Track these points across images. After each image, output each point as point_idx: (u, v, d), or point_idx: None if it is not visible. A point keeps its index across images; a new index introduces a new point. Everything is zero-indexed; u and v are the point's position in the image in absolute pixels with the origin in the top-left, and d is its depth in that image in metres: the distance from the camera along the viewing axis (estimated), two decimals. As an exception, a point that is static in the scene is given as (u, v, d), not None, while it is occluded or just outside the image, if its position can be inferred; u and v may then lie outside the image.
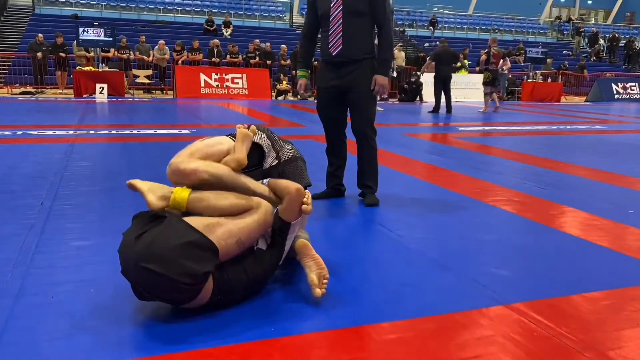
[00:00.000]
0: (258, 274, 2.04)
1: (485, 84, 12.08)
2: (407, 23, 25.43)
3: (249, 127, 2.41)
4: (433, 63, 11.91)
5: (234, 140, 2.29)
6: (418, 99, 15.19)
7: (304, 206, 2.17)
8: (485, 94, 12.10)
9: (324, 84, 3.53)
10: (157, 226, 1.88)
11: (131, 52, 15.06)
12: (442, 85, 11.66)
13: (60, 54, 14.14)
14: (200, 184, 2.10)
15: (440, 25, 26.77)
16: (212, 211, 1.98)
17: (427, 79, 15.61)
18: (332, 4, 3.35)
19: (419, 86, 15.04)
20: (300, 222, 2.30)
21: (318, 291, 2.03)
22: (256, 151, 2.40)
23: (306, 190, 2.23)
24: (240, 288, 1.98)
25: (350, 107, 3.51)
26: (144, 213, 2.03)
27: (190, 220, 1.91)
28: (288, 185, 2.18)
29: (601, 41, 26.02)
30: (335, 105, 3.54)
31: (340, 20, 3.35)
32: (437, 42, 21.42)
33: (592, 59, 24.35)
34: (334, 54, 3.41)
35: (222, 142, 2.26)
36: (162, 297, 1.85)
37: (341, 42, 3.37)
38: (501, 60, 12.36)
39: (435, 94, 11.77)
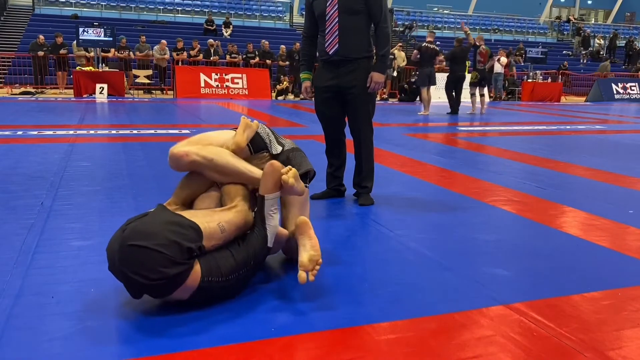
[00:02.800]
0: (245, 256, 2.04)
1: (471, 84, 11.77)
2: (406, 23, 25.41)
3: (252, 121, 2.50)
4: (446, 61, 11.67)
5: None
6: (418, 99, 15.14)
7: (283, 177, 2.16)
8: (472, 95, 11.78)
9: (321, 83, 3.52)
10: (144, 217, 1.97)
11: (131, 52, 15.06)
12: (454, 85, 11.34)
13: (61, 51, 14.12)
14: (194, 167, 2.21)
15: (440, 25, 26.75)
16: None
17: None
18: (328, 3, 3.35)
19: (419, 86, 15.00)
20: (300, 209, 2.37)
21: (303, 275, 1.96)
22: (261, 140, 2.48)
23: (290, 167, 2.23)
24: (229, 271, 1.96)
25: (347, 107, 3.50)
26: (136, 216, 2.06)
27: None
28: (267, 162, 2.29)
29: (601, 41, 26.00)
30: (333, 105, 3.53)
31: (337, 19, 3.34)
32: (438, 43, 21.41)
33: (584, 61, 24.39)
34: (330, 52, 3.40)
35: (223, 133, 2.40)
36: (150, 280, 1.79)
37: (337, 40, 3.36)
38: (489, 59, 12.00)
39: (448, 95, 11.45)
